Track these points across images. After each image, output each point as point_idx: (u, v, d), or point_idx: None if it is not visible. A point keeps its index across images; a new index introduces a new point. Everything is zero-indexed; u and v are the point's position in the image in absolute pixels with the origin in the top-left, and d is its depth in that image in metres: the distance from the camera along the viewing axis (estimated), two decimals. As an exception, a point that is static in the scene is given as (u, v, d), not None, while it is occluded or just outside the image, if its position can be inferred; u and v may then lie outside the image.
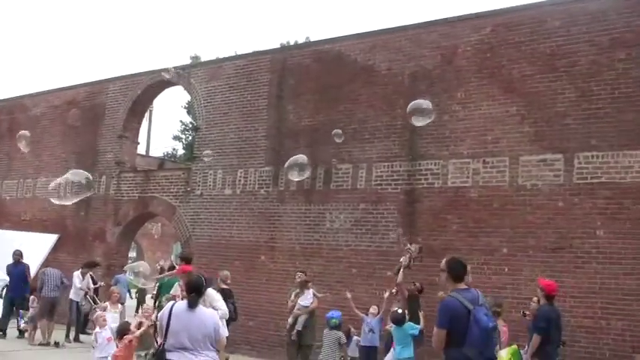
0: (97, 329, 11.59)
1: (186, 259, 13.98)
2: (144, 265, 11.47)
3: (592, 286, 12.59)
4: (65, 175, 10.96)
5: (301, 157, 13.32)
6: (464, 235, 14.34)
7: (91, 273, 18.48)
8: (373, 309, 13.36)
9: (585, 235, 13.05)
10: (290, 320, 13.74)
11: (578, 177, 13.28)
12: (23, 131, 15.98)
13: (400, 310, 12.09)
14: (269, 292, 16.77)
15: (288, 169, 13.39)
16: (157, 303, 15.72)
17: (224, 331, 7.41)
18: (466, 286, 7.02)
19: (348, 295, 13.67)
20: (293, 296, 14.07)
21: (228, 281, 13.82)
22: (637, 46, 13.09)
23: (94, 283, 18.38)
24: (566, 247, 13.21)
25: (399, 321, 11.94)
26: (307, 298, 13.73)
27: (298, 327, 13.57)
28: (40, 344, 16.45)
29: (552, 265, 13.25)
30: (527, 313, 11.70)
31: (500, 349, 9.80)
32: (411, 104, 11.51)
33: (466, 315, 6.67)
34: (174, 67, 17.86)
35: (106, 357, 11.24)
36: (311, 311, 13.75)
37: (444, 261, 7.25)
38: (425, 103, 11.60)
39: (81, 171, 11.20)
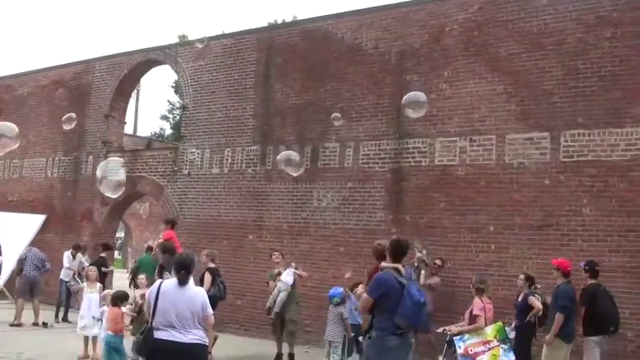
0: (105, 307, 11.55)
1: (172, 223, 13.58)
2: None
3: (578, 264, 12.67)
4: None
5: (292, 154, 13.29)
6: (451, 213, 14.40)
7: (102, 255, 18.42)
8: (362, 288, 13.25)
9: (571, 213, 13.12)
10: (269, 303, 13.68)
11: (564, 155, 13.33)
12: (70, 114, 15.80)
13: None
14: (257, 271, 16.75)
15: (280, 163, 13.37)
16: (134, 282, 15.64)
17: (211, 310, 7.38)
18: (401, 265, 7.84)
19: (347, 275, 13.62)
20: (275, 272, 13.94)
21: (216, 260, 13.80)
22: (623, 25, 13.11)
23: (106, 266, 18.20)
24: (552, 224, 13.28)
25: None
26: (289, 274, 13.63)
27: (276, 309, 13.47)
28: (10, 325, 16.30)
29: (538, 243, 13.34)
30: (538, 286, 11.69)
31: (486, 325, 9.84)
32: (405, 97, 11.50)
33: (400, 289, 7.50)
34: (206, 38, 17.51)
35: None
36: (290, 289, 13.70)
37: (390, 240, 8.24)
38: (420, 95, 11.60)
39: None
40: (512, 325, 12.01)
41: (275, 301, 13.49)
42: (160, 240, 13.70)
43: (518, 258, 13.42)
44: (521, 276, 12.27)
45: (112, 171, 9.63)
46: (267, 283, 14.14)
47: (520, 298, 12.17)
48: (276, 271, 13.89)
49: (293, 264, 13.92)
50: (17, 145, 8.75)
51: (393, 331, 7.49)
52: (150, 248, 18.12)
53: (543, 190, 13.45)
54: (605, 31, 13.26)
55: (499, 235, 13.80)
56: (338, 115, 14.86)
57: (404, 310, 7.41)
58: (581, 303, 10.83)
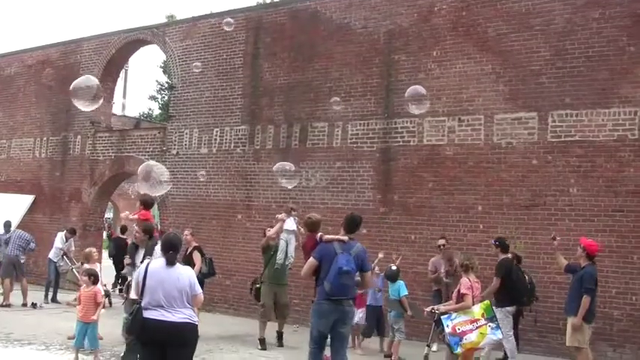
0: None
1: (145, 203, 12.30)
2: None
3: (565, 243, 12.67)
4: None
5: (288, 165, 13.20)
6: (439, 192, 14.45)
7: (122, 236, 18.34)
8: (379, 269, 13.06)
9: (559, 193, 13.20)
10: (279, 260, 12.88)
11: (552, 135, 13.39)
12: None
13: (394, 267, 12.16)
14: (246, 251, 16.83)
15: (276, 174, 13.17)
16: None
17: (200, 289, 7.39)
18: (351, 237, 8.80)
19: (380, 255, 13.43)
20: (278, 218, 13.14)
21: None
22: (610, 5, 13.14)
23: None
24: (539, 204, 13.36)
25: (390, 277, 12.03)
26: (292, 221, 12.93)
27: (289, 261, 12.93)
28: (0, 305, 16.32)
29: (526, 223, 13.42)
30: (558, 238, 11.68)
31: (474, 304, 9.88)
32: (408, 90, 11.61)
33: (333, 257, 8.48)
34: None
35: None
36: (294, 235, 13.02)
37: (346, 215, 9.23)
38: (422, 89, 11.67)
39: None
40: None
41: (286, 253, 12.89)
42: (135, 217, 12.93)
43: (506, 238, 13.47)
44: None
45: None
46: (262, 249, 13.50)
47: (507, 278, 12.27)
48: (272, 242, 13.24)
49: (294, 212, 13.45)
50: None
51: (326, 297, 8.48)
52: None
53: (531, 170, 13.51)
54: (592, 12, 13.28)
55: (487, 214, 13.87)
56: (337, 99, 14.88)
57: (329, 277, 8.41)
58: (497, 275, 11.58)
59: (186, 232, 13.64)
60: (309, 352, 8.82)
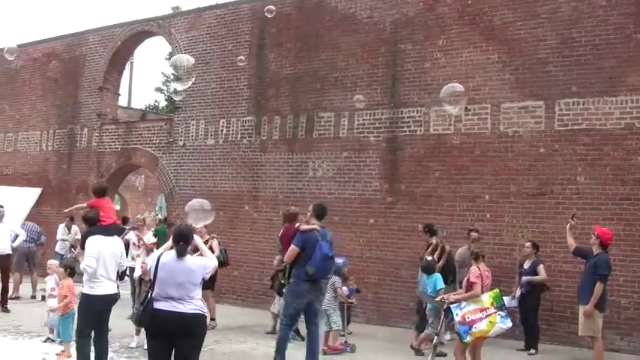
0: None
1: (95, 191, 10.59)
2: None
3: (572, 232, 12.71)
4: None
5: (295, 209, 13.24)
6: (446, 182, 14.44)
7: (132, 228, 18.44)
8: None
9: (566, 181, 13.18)
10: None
11: (559, 123, 13.36)
12: None
13: (430, 258, 12.01)
14: (253, 242, 16.86)
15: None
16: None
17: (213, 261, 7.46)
18: (321, 225, 9.99)
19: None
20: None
21: None
22: (617, -8, 13.11)
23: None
24: (547, 193, 13.34)
25: (426, 269, 11.78)
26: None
27: None
28: (9, 297, 16.26)
29: (533, 211, 13.41)
30: (576, 220, 11.57)
31: (484, 292, 9.86)
32: (444, 88, 11.81)
33: (316, 244, 9.61)
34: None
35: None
36: None
37: (311, 205, 10.41)
38: (458, 86, 11.75)
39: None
40: (513, 294, 12.19)
41: None
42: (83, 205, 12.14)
43: (514, 226, 13.49)
44: (528, 243, 12.46)
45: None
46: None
47: (527, 265, 12.29)
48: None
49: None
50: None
51: (305, 278, 9.63)
52: (165, 220, 18.33)
53: (538, 159, 13.49)
54: (599, 0, 13.24)
55: (494, 203, 13.86)
56: (361, 97, 14.90)
57: (313, 261, 9.53)
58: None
59: (199, 225, 13.62)
60: (281, 327, 9.97)
